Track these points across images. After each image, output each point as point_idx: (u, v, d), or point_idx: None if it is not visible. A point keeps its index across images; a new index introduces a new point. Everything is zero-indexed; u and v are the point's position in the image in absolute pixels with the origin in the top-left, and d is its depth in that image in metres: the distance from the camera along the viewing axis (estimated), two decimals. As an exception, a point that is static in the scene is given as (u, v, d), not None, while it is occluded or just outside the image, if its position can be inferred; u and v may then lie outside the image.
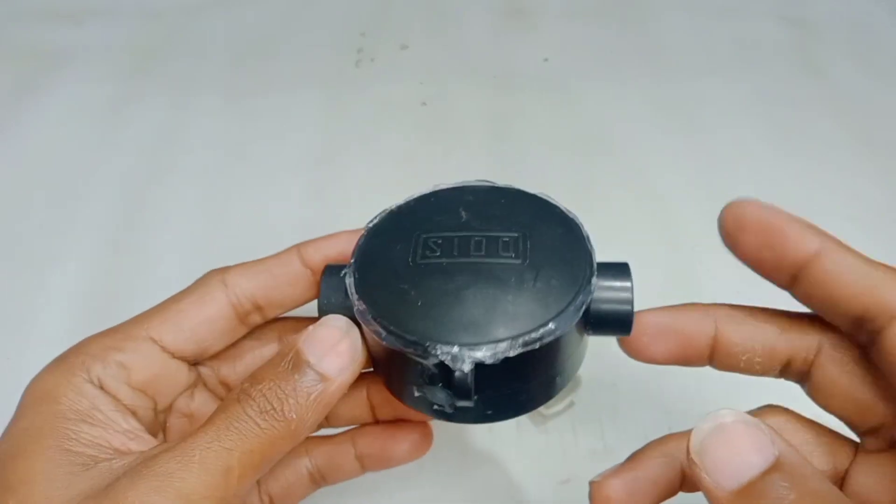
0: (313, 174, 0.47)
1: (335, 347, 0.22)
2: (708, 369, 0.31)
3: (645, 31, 0.59)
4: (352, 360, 0.22)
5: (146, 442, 0.23)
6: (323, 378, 0.21)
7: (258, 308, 0.25)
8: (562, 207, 0.25)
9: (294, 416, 0.21)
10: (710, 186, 0.47)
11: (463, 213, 0.25)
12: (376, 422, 0.29)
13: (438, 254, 0.23)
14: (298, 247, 0.26)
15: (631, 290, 0.24)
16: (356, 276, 0.23)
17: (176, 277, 0.41)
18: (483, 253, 0.23)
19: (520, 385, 0.23)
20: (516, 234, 0.24)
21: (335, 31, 0.58)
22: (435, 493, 0.34)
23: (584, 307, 0.22)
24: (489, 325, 0.21)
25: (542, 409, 0.35)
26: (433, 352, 0.21)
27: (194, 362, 0.26)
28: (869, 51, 0.57)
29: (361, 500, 0.33)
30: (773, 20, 0.60)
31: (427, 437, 0.28)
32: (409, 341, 0.21)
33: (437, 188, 0.27)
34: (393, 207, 0.26)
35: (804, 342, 0.24)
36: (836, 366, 0.23)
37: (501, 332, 0.21)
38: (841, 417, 0.23)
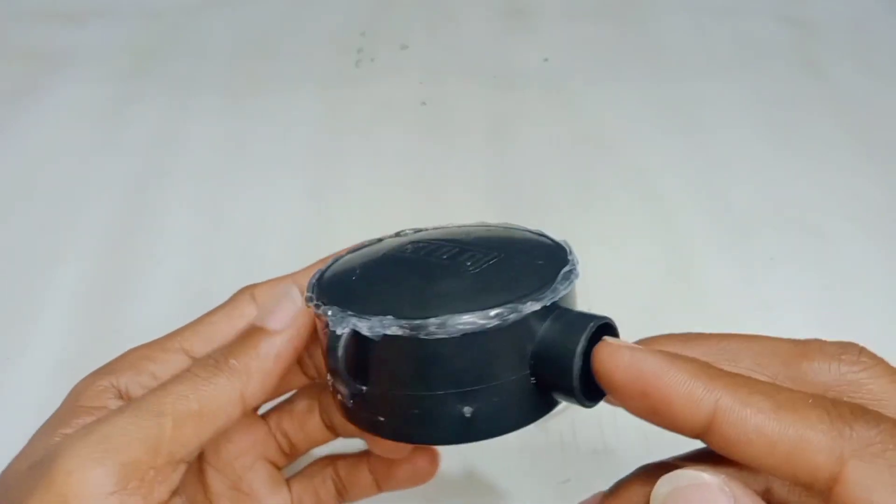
0: (313, 174, 0.47)
1: (276, 306, 0.23)
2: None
3: (645, 31, 0.59)
4: (292, 316, 0.23)
5: None
6: (266, 332, 0.22)
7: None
8: (568, 252, 0.22)
9: (233, 362, 0.21)
10: (709, 186, 0.47)
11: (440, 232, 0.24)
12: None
13: (408, 252, 0.22)
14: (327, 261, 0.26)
15: (582, 344, 0.19)
16: (321, 273, 0.23)
17: (176, 277, 0.42)
18: (445, 258, 0.21)
19: (413, 391, 0.19)
20: (493, 255, 0.21)
21: (335, 31, 0.58)
22: (435, 494, 0.33)
23: (513, 318, 0.18)
24: (385, 303, 0.19)
25: None
26: (324, 313, 0.20)
27: None
28: (869, 51, 0.57)
29: (362, 501, 0.33)
30: (774, 20, 0.60)
31: (433, 462, 0.28)
32: (316, 304, 0.21)
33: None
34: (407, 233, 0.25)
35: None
36: None
37: (392, 310, 0.19)
38: None
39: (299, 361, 0.27)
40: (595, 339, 0.19)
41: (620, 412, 0.36)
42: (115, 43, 0.57)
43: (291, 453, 0.28)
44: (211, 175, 0.47)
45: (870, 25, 0.60)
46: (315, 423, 0.28)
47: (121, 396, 0.23)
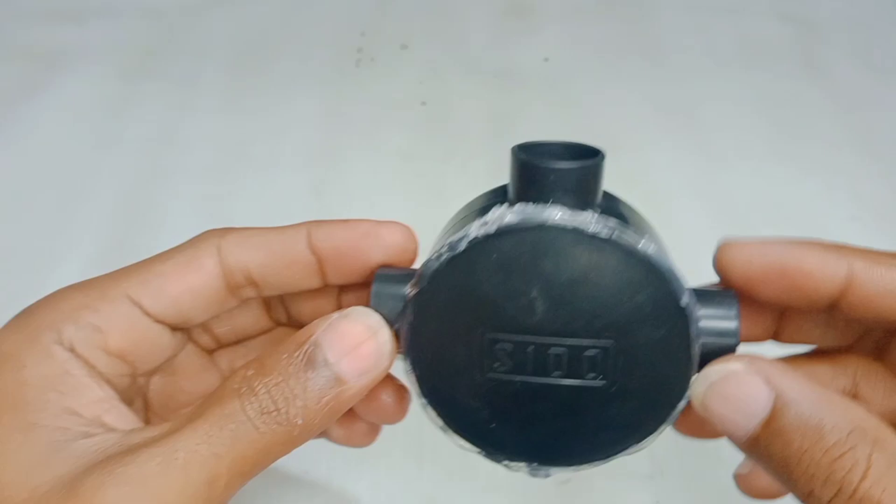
0: (314, 173, 0.47)
1: (359, 347, 0.19)
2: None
3: (645, 30, 0.59)
4: (376, 365, 0.19)
5: (122, 414, 0.20)
6: (339, 381, 0.19)
7: (252, 283, 0.22)
8: (676, 287, 0.19)
9: (299, 422, 0.18)
10: (710, 186, 0.47)
11: (537, 300, 0.19)
12: None
13: (509, 368, 0.19)
14: (309, 226, 0.22)
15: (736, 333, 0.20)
16: (417, 369, 0.20)
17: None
18: (563, 373, 0.19)
19: None
20: (603, 345, 0.19)
21: (335, 31, 0.58)
22: (435, 494, 0.33)
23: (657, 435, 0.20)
24: (561, 449, 0.20)
25: None
26: (505, 463, 0.21)
27: (178, 329, 0.23)
28: (871, 50, 0.57)
29: (362, 501, 0.33)
30: (775, 19, 0.60)
31: (371, 434, 0.26)
32: (483, 451, 0.21)
33: (500, 227, 0.19)
34: (446, 252, 0.19)
35: None
36: None
37: (572, 459, 0.21)
38: None
39: (269, 306, 0.25)
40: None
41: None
42: (116, 42, 0.57)
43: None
44: (211, 174, 0.48)
45: (871, 25, 0.60)
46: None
47: (73, 351, 0.20)
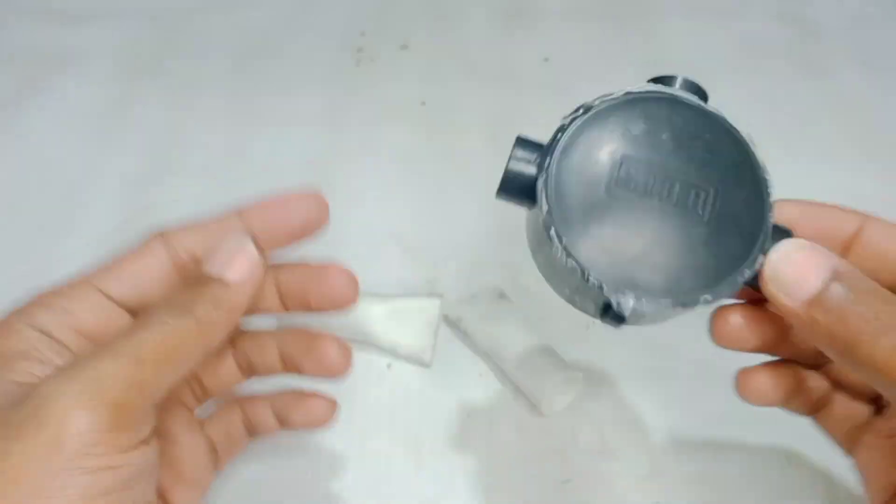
0: (314, 174, 0.47)
1: (233, 259, 0.25)
2: (709, 371, 0.31)
3: (645, 31, 0.59)
4: (250, 271, 0.25)
5: None
6: (225, 284, 0.24)
7: (197, 262, 0.26)
8: (759, 162, 0.25)
9: (201, 313, 0.23)
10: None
11: (666, 141, 0.24)
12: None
13: (633, 186, 0.24)
14: (239, 209, 0.27)
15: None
16: (551, 179, 0.24)
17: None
18: (675, 202, 0.24)
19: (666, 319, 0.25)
20: (709, 189, 0.24)
21: (336, 31, 0.58)
22: (435, 494, 0.34)
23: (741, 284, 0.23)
24: (661, 280, 0.23)
25: (543, 408, 0.35)
26: (605, 292, 0.23)
27: (136, 312, 0.27)
28: (870, 52, 0.57)
29: (362, 501, 0.33)
30: (775, 21, 0.60)
31: (329, 409, 0.30)
32: (592, 282, 0.23)
33: (648, 92, 0.26)
34: (596, 105, 0.26)
35: None
36: None
37: (667, 293, 0.23)
38: None
39: None
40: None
41: (621, 413, 0.36)
42: (117, 44, 0.57)
43: (203, 397, 0.30)
44: (212, 175, 0.48)
45: (871, 26, 0.60)
46: (228, 367, 0.30)
47: (43, 332, 0.23)
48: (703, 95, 0.26)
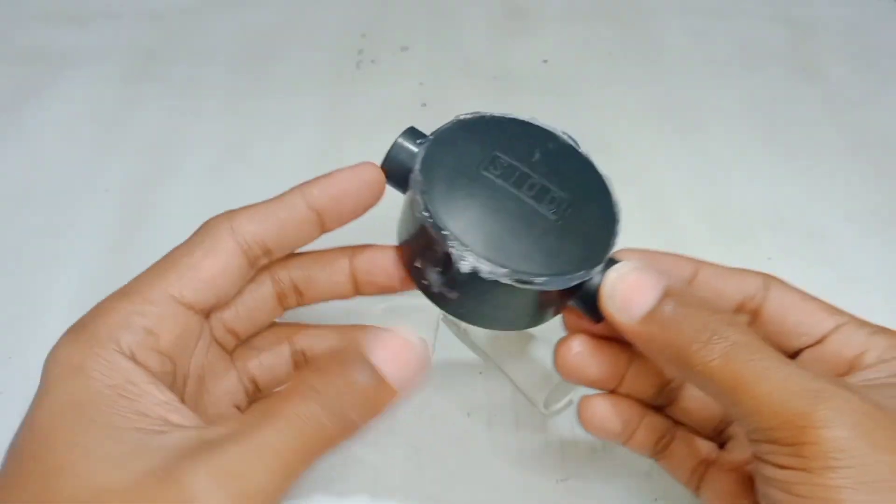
0: (314, 174, 0.47)
1: (406, 360, 0.23)
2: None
3: (644, 32, 0.59)
4: (417, 374, 0.23)
5: (185, 414, 0.22)
6: (388, 388, 0.23)
7: (266, 251, 0.26)
8: (615, 200, 0.28)
9: (355, 419, 0.22)
10: (708, 187, 0.47)
11: (537, 154, 0.27)
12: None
13: (499, 174, 0.26)
14: (302, 188, 0.26)
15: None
16: (427, 155, 0.26)
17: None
18: (531, 195, 0.26)
19: (494, 312, 0.27)
20: (564, 197, 0.26)
21: (336, 33, 0.58)
22: (435, 493, 0.34)
23: (576, 284, 0.25)
24: (503, 251, 0.25)
25: (541, 408, 0.35)
26: (452, 247, 0.24)
27: (208, 314, 0.26)
28: (866, 52, 0.57)
29: (362, 499, 0.34)
30: (771, 22, 0.60)
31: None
32: (440, 231, 0.25)
33: (535, 121, 0.29)
34: (486, 114, 0.29)
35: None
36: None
37: (507, 262, 0.24)
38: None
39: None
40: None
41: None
42: (118, 45, 0.57)
43: (255, 396, 0.29)
44: (213, 176, 0.48)
45: (867, 27, 0.60)
46: (284, 365, 0.29)
47: (134, 359, 0.22)
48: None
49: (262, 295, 0.28)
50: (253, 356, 0.29)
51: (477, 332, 0.38)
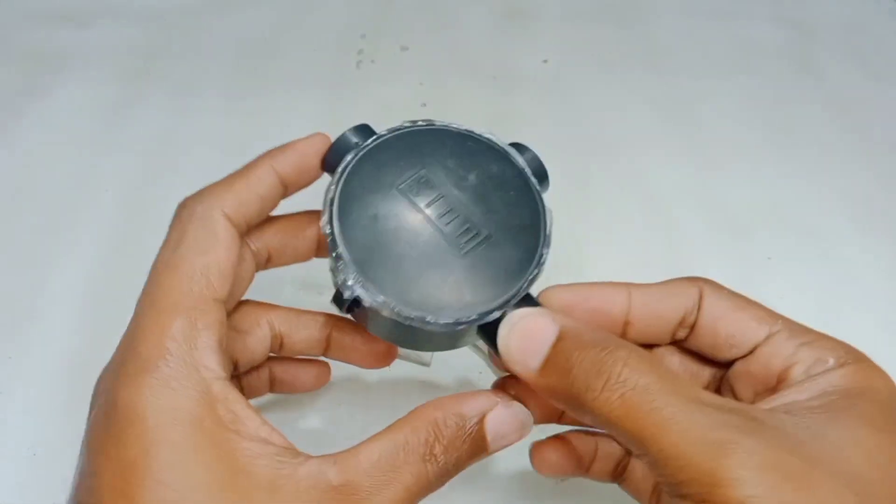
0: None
1: (511, 432, 0.24)
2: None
3: (643, 32, 0.59)
4: (515, 439, 0.24)
5: (271, 430, 0.22)
6: (490, 452, 0.24)
7: (249, 227, 0.27)
8: (546, 235, 0.26)
9: (453, 474, 0.23)
10: (708, 187, 0.47)
11: (472, 178, 0.26)
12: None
13: (416, 197, 0.25)
14: (270, 161, 0.27)
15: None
16: (353, 162, 0.26)
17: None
18: (448, 223, 0.25)
19: (390, 336, 0.26)
20: (482, 232, 0.25)
21: (336, 33, 0.59)
22: (434, 493, 0.34)
23: (462, 327, 0.24)
24: (391, 284, 0.24)
25: None
26: (340, 269, 0.24)
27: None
28: (865, 52, 0.58)
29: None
30: (771, 22, 0.60)
31: (324, 373, 0.32)
32: (334, 249, 0.24)
33: (489, 139, 0.27)
34: (436, 123, 0.27)
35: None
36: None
37: (390, 296, 0.24)
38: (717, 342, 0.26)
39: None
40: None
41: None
42: (118, 44, 0.57)
43: (232, 374, 0.29)
44: (213, 175, 0.47)
45: (866, 27, 0.60)
46: (262, 347, 0.29)
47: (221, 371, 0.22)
48: (541, 175, 0.27)
49: (245, 268, 0.28)
50: (238, 338, 0.28)
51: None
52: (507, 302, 0.24)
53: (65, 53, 0.56)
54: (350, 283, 0.23)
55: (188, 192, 0.47)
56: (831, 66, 0.56)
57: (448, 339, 0.26)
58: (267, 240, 0.29)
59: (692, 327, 0.26)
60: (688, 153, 0.50)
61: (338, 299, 0.25)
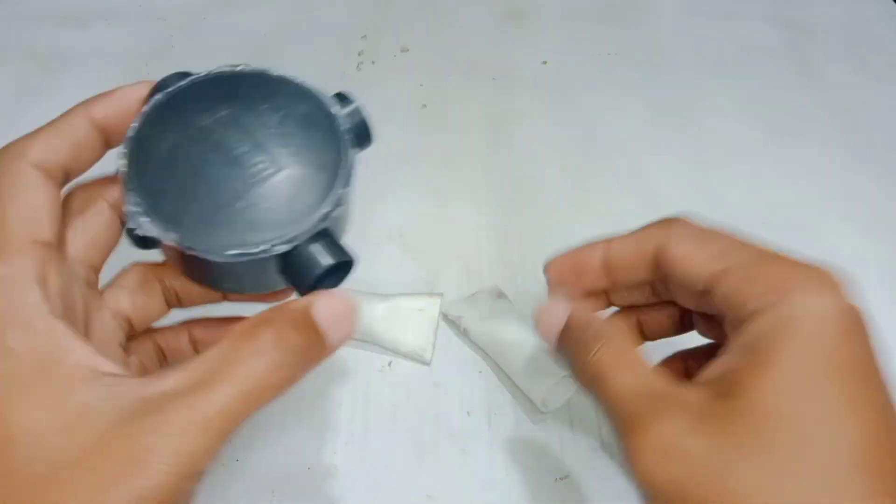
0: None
1: (344, 320, 0.24)
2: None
3: (643, 33, 0.59)
4: (350, 334, 0.24)
5: (104, 360, 0.22)
6: (328, 345, 0.24)
7: (66, 174, 0.26)
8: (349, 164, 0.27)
9: (297, 372, 0.23)
10: (706, 187, 0.48)
11: (275, 117, 0.26)
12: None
13: (217, 134, 0.25)
14: (84, 107, 0.27)
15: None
16: (156, 102, 0.26)
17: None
18: (244, 159, 0.25)
19: (193, 269, 0.25)
20: (281, 169, 0.25)
21: (337, 34, 0.59)
22: (435, 490, 0.34)
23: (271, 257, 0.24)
24: (178, 217, 0.24)
25: (540, 406, 0.36)
26: (131, 206, 0.24)
27: (60, 249, 0.26)
28: (863, 53, 0.58)
29: (363, 498, 0.34)
30: (770, 23, 0.60)
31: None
32: (126, 187, 0.24)
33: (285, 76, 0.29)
34: (240, 66, 0.29)
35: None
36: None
37: (177, 230, 0.23)
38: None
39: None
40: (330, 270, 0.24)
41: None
42: (120, 45, 0.57)
43: (131, 333, 0.29)
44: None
45: (864, 28, 0.60)
46: (156, 303, 0.29)
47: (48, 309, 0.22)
48: (361, 127, 0.28)
49: (102, 221, 0.28)
50: (123, 294, 0.29)
51: (477, 332, 0.38)
52: (297, 236, 0.24)
53: (65, 53, 0.56)
54: (141, 219, 0.23)
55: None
56: (831, 67, 0.56)
57: (249, 276, 0.25)
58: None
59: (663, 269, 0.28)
60: (687, 153, 0.50)
61: (132, 236, 0.25)
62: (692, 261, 0.26)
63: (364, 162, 0.49)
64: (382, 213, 0.45)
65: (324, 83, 0.59)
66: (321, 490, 0.34)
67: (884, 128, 0.52)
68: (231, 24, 0.59)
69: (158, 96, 0.26)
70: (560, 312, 0.28)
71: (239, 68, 0.28)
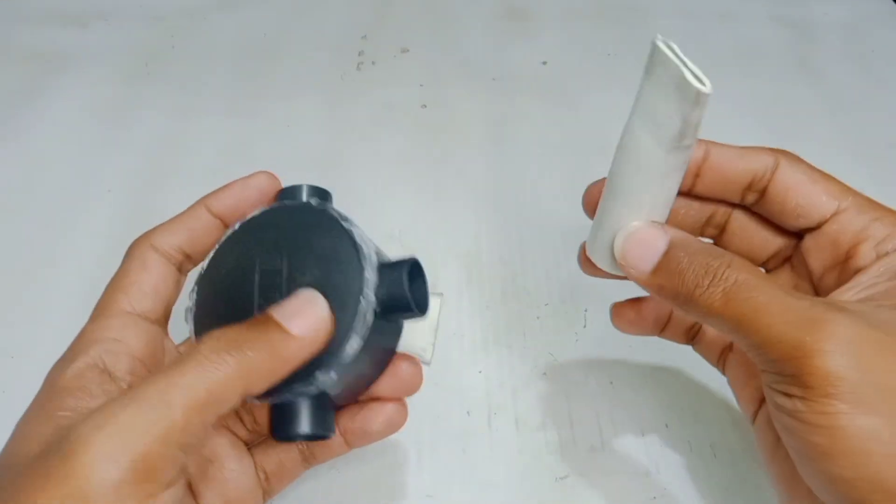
0: (315, 176, 0.48)
1: (302, 311, 0.24)
2: (705, 368, 0.32)
3: (642, 34, 0.59)
4: (315, 327, 0.24)
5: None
6: (286, 333, 0.23)
7: (187, 256, 0.29)
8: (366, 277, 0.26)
9: (251, 356, 0.22)
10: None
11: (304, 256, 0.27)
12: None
13: (259, 274, 0.27)
14: (204, 201, 0.30)
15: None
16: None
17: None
18: (259, 292, 0.26)
19: None
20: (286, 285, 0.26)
21: (336, 35, 0.59)
22: (435, 490, 0.34)
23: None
24: None
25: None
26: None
27: (164, 322, 0.29)
28: (864, 53, 0.58)
29: (363, 497, 0.34)
30: (770, 23, 0.60)
31: (401, 411, 0.30)
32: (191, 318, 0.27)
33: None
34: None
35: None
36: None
37: None
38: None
39: None
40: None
41: (617, 410, 0.37)
42: (120, 45, 0.57)
43: (255, 426, 0.30)
44: (213, 177, 0.47)
45: (865, 28, 0.60)
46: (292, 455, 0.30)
47: (104, 367, 0.24)
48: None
49: None
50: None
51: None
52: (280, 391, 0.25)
53: (65, 53, 0.56)
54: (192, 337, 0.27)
55: (189, 192, 0.46)
56: (831, 66, 0.56)
57: None
58: None
59: (763, 192, 0.27)
60: (687, 153, 0.50)
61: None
62: (806, 190, 0.26)
63: (364, 162, 0.49)
64: (382, 213, 0.45)
65: (324, 83, 0.59)
66: (320, 488, 0.34)
67: (885, 127, 0.51)
68: (231, 24, 0.59)
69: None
70: (658, 238, 0.25)
71: (320, 206, 0.28)
